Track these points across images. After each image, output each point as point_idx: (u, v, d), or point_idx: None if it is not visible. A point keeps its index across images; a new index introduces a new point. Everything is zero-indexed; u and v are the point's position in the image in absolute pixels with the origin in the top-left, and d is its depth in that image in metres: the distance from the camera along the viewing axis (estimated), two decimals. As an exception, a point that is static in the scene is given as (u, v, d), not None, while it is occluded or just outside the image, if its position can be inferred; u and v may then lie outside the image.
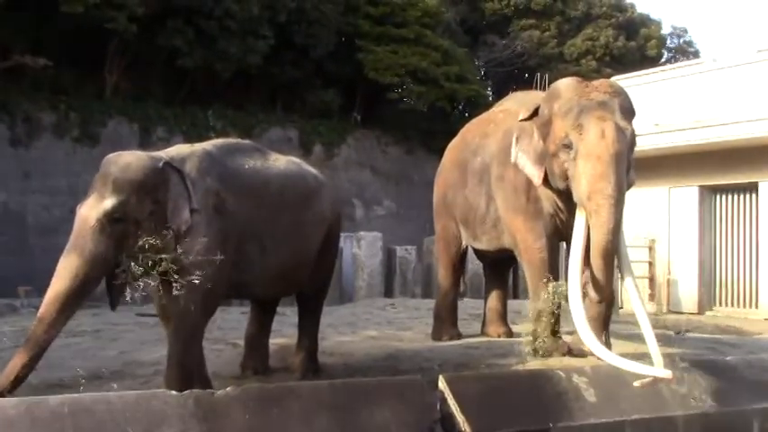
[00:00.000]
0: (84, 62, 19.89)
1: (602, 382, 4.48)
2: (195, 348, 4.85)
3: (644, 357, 4.50)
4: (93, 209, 4.31)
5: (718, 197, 12.83)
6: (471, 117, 9.83)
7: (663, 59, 32.03)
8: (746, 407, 4.71)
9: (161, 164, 4.59)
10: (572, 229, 5.13)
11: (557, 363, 5.42)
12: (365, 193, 24.43)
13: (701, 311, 12.45)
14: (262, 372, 5.72)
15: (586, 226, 4.96)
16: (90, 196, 4.38)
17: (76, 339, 7.07)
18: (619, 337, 6.14)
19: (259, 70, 21.92)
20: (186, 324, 4.66)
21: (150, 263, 4.33)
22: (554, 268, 5.90)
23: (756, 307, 12.03)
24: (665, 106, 12.30)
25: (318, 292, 6.15)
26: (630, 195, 5.22)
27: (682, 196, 12.98)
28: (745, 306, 12.32)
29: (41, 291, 4.43)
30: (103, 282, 4.45)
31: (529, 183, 5.81)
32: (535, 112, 5.57)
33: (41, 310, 4.19)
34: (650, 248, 13.28)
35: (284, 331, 7.09)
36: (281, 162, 5.63)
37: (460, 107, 27.17)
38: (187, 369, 4.68)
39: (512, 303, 8.19)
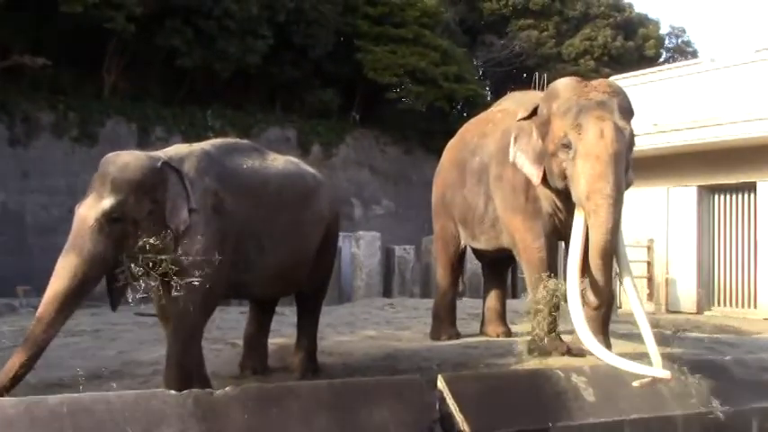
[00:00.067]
0: (83, 62, 19.88)
1: (601, 381, 4.49)
2: (194, 348, 4.85)
3: (643, 357, 4.51)
4: (91, 209, 4.31)
5: (716, 197, 12.84)
6: (470, 117, 9.84)
7: (661, 59, 32.05)
8: (745, 406, 4.72)
9: (159, 164, 4.59)
10: (571, 229, 5.14)
11: (556, 362, 5.42)
12: (364, 192, 24.43)
13: (699, 311, 12.45)
14: (261, 371, 5.72)
15: (585, 225, 4.97)
16: (88, 196, 4.38)
17: (75, 339, 7.06)
18: (617, 337, 6.13)
19: (258, 70, 21.91)
20: (185, 324, 4.66)
21: (150, 263, 4.33)
22: (553, 268, 5.90)
23: (755, 307, 12.03)
24: (663, 106, 12.30)
25: (317, 291, 6.15)
26: (629, 195, 5.22)
27: (680, 196, 12.99)
28: (743, 306, 12.32)
29: (40, 290, 4.42)
30: (103, 282, 4.45)
31: (527, 182, 5.82)
32: (534, 112, 5.58)
33: (40, 309, 4.19)
34: (649, 248, 13.28)
35: (283, 331, 7.08)
36: (279, 162, 5.63)
37: (459, 107, 27.18)
38: (186, 369, 4.68)
39: (510, 303, 8.19)
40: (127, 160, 4.52)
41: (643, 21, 32.59)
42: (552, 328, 5.70)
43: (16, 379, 4.04)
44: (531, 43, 29.24)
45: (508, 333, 7.40)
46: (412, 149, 25.80)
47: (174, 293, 4.42)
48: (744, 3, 62.74)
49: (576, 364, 5.17)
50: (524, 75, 28.58)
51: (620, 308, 9.24)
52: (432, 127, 24.48)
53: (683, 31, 36.78)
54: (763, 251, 11.93)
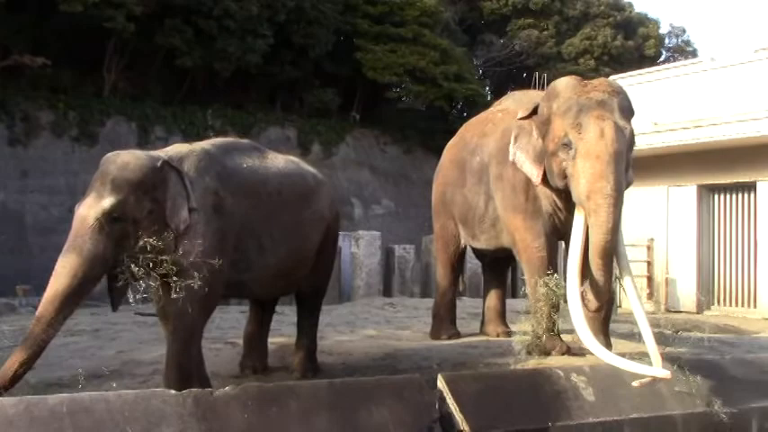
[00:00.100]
0: (83, 61, 19.89)
1: (601, 381, 4.49)
2: (194, 348, 4.85)
3: (643, 356, 4.51)
4: (91, 208, 4.30)
5: (716, 196, 12.83)
6: (469, 116, 9.85)
7: (661, 59, 32.08)
8: (745, 405, 4.72)
9: (159, 163, 4.58)
10: (571, 228, 5.14)
11: (555, 362, 5.42)
12: (364, 192, 24.44)
13: (699, 311, 12.44)
14: (261, 371, 5.71)
15: (585, 225, 4.97)
16: (88, 195, 4.37)
17: (75, 338, 7.06)
18: (617, 337, 6.13)
19: (258, 69, 21.93)
20: (185, 324, 4.65)
21: (150, 264, 4.33)
22: (553, 267, 5.90)
23: (755, 306, 12.03)
24: (663, 105, 12.30)
25: (317, 291, 6.14)
26: (629, 194, 5.22)
27: (680, 195, 12.98)
28: (743, 305, 12.31)
29: (40, 290, 4.42)
30: (103, 281, 4.45)
31: (527, 181, 5.82)
32: (534, 111, 5.58)
33: (40, 309, 4.18)
34: (649, 248, 13.28)
35: (283, 330, 7.08)
36: (279, 161, 5.62)
37: (459, 106, 27.21)
38: (186, 368, 4.67)
39: (510, 302, 8.19)
40: (127, 160, 4.51)
41: (643, 20, 32.61)
42: (552, 328, 5.71)
43: (15, 378, 4.04)
44: (530, 42, 29.25)
45: (508, 333, 7.39)
46: (412, 149, 25.82)
47: (174, 294, 4.41)
48: (743, 3, 62.76)
49: (575, 363, 5.17)
50: (524, 74, 28.63)
51: (620, 307, 9.24)
52: (431, 126, 24.51)
53: (683, 31, 36.82)
54: (762, 251, 11.93)
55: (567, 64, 28.40)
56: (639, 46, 31.27)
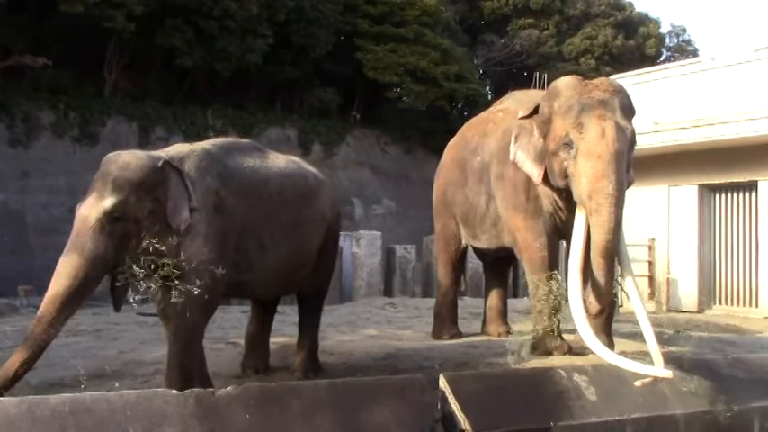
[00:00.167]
0: (84, 61, 19.91)
1: (603, 380, 4.48)
2: (195, 348, 4.85)
3: (645, 356, 4.50)
4: (92, 208, 4.30)
5: (717, 196, 12.81)
6: (470, 116, 9.83)
7: (661, 58, 32.12)
8: (747, 405, 4.72)
9: (160, 163, 4.58)
10: (572, 228, 5.14)
11: (557, 361, 5.42)
12: (364, 192, 24.44)
13: (700, 310, 12.42)
14: (262, 371, 5.72)
15: (586, 225, 4.96)
16: (89, 195, 4.37)
17: (77, 338, 7.06)
18: (619, 336, 6.13)
19: (258, 69, 21.94)
20: (186, 324, 4.65)
21: (152, 266, 4.33)
22: (554, 267, 5.90)
23: (756, 305, 12.01)
24: (663, 105, 12.28)
25: (318, 291, 6.14)
26: (630, 194, 5.21)
27: (681, 195, 12.96)
28: (744, 305, 12.29)
29: (41, 290, 4.42)
30: (106, 281, 4.45)
31: (528, 181, 5.81)
32: (535, 111, 5.58)
33: (41, 309, 4.18)
34: (650, 247, 13.26)
35: (285, 330, 7.09)
36: (280, 161, 5.62)
37: (459, 106, 27.22)
38: (187, 369, 4.67)
39: (512, 302, 8.18)
40: (128, 160, 4.51)
41: (643, 20, 32.63)
42: (554, 327, 5.70)
43: (16, 378, 4.03)
44: (531, 42, 29.26)
45: (510, 332, 7.39)
46: (412, 149, 25.82)
47: (174, 298, 4.41)
48: (744, 2, 62.74)
49: (577, 363, 5.16)
50: (525, 74, 28.64)
51: (621, 306, 9.24)
52: (432, 126, 24.51)
53: (684, 30, 36.87)
54: (764, 250, 11.91)
55: (567, 64, 28.42)
56: (640, 45, 31.28)
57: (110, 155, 4.59)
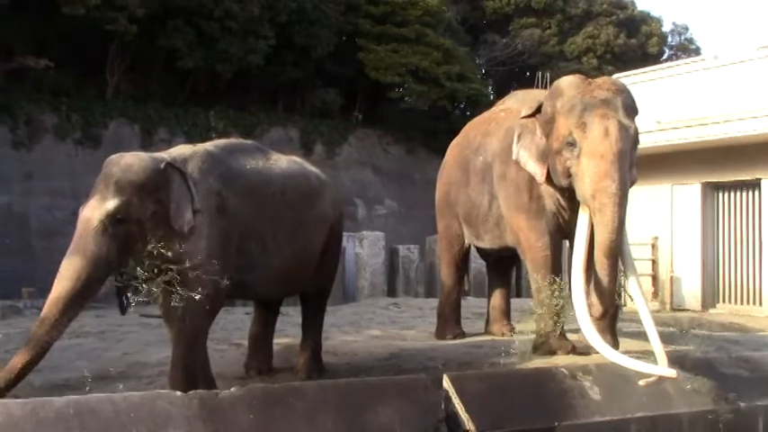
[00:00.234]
0: (86, 64, 19.94)
1: (607, 380, 4.48)
2: (199, 349, 4.85)
3: (649, 355, 4.50)
4: (95, 210, 4.30)
5: (720, 194, 12.80)
6: (472, 116, 9.82)
7: (664, 57, 32.07)
8: (751, 404, 4.71)
9: (163, 164, 4.58)
10: (575, 227, 5.13)
11: (561, 361, 5.41)
12: (367, 192, 24.44)
13: (704, 309, 12.41)
14: (266, 372, 5.72)
15: (590, 224, 4.96)
16: (92, 197, 4.37)
17: (80, 340, 7.07)
18: (623, 335, 6.12)
19: (260, 70, 21.95)
20: (190, 325, 4.65)
21: (156, 270, 4.33)
22: (557, 266, 5.90)
23: (760, 304, 11.99)
24: (666, 104, 12.27)
25: (322, 291, 6.14)
26: (633, 193, 5.21)
27: (684, 194, 12.95)
28: (748, 303, 12.27)
29: (45, 292, 4.42)
30: (109, 283, 4.45)
31: (531, 180, 5.81)
32: (537, 110, 5.58)
33: (44, 311, 4.18)
34: (653, 246, 13.25)
35: (288, 331, 7.08)
36: (282, 162, 5.62)
37: (461, 106, 27.21)
38: (191, 370, 4.67)
39: (515, 302, 8.18)
40: (130, 161, 4.51)
41: (646, 18, 32.58)
42: (557, 327, 5.70)
43: (17, 379, 4.03)
44: (533, 42, 29.24)
45: (513, 332, 7.39)
46: (415, 149, 25.81)
47: (174, 303, 4.41)
48: (747, 0, 62.66)
49: (581, 362, 5.16)
50: (527, 73, 28.62)
51: (625, 305, 9.23)
52: (434, 126, 24.50)
53: (686, 29, 36.82)
54: (767, 248, 11.90)
55: (569, 63, 28.39)
56: (642, 44, 31.24)
57: (112, 157, 4.59)
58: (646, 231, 12.81)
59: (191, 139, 17.52)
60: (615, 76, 11.35)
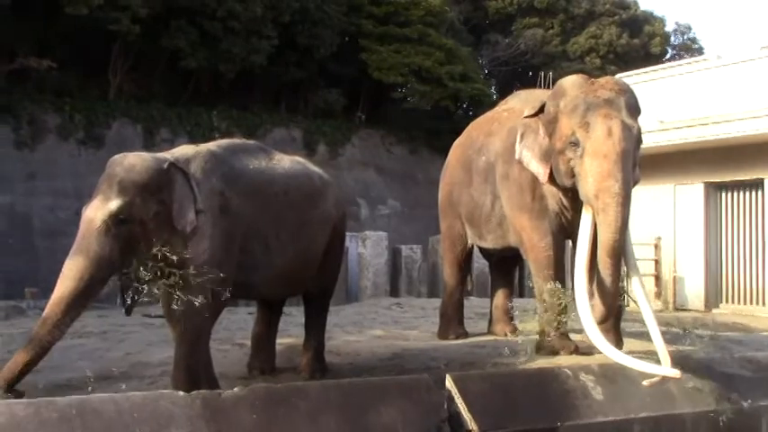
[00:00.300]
0: (88, 64, 19.96)
1: (610, 380, 4.47)
2: (202, 349, 4.85)
3: (652, 355, 4.49)
4: (98, 210, 4.30)
5: (723, 194, 12.79)
6: (475, 116, 9.82)
7: (667, 56, 32.06)
8: (754, 404, 4.70)
9: (166, 165, 4.58)
10: (578, 227, 5.13)
11: (564, 361, 5.40)
12: (370, 192, 24.44)
13: (707, 309, 12.41)
14: (269, 372, 5.71)
15: (593, 224, 4.96)
16: (95, 198, 4.37)
17: (83, 340, 7.07)
18: (626, 335, 6.11)
19: (263, 71, 21.96)
20: (193, 325, 4.66)
21: (159, 272, 4.33)
22: (560, 266, 5.89)
23: (763, 304, 11.98)
24: (669, 103, 12.27)
25: (325, 291, 6.14)
26: (636, 193, 5.20)
27: (687, 193, 12.94)
28: (751, 303, 12.27)
29: (48, 292, 4.42)
30: (112, 284, 4.46)
31: (534, 180, 5.80)
32: (540, 110, 5.57)
33: (46, 310, 4.18)
34: (656, 246, 13.25)
35: (291, 331, 7.08)
36: (285, 162, 5.62)
37: (464, 106, 27.20)
38: (194, 370, 4.67)
39: (518, 302, 8.17)
40: (133, 162, 4.51)
41: (648, 18, 32.57)
42: (560, 327, 5.69)
43: (18, 378, 4.03)
44: (536, 41, 29.24)
45: (516, 332, 7.38)
46: (418, 149, 25.81)
47: (177, 306, 4.41)
48: (749, 0, 62.56)
49: (584, 362, 5.15)
50: (530, 73, 28.61)
51: (628, 306, 9.22)
52: (437, 126, 24.49)
53: (689, 29, 36.87)
54: (770, 248, 11.90)
55: (572, 63, 28.38)
56: (645, 44, 31.22)
57: (115, 157, 4.59)
58: (649, 231, 12.81)
59: (193, 139, 17.54)
60: (618, 75, 11.34)
